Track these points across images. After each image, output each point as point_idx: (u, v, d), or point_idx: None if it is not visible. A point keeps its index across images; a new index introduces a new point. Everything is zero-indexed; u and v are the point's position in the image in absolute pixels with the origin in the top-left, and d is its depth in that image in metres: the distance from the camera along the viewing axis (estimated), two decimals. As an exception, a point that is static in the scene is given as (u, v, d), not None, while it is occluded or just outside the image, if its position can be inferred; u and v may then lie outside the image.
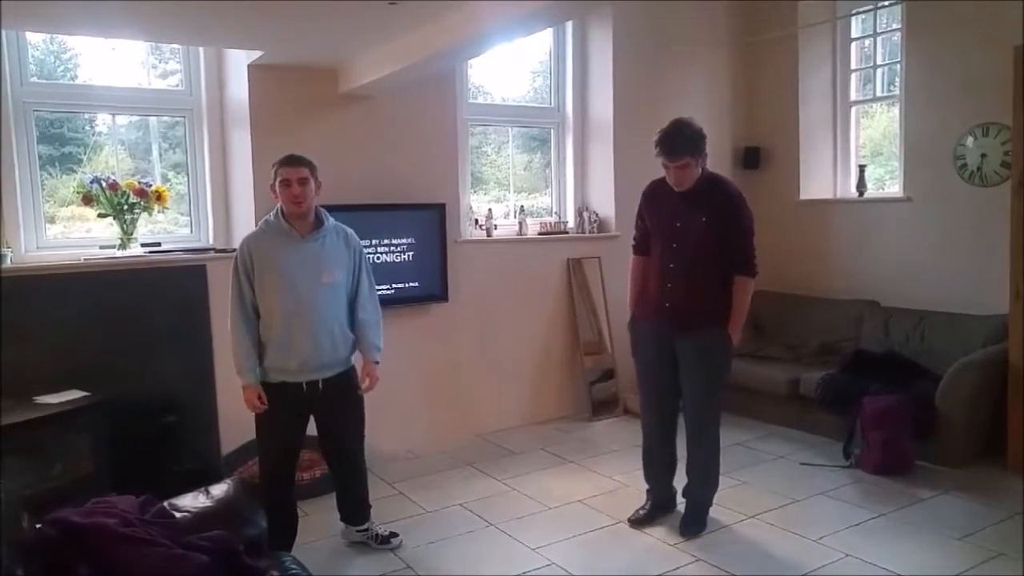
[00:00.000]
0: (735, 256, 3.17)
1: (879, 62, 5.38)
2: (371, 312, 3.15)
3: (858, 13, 5.38)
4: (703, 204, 3.16)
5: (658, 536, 3.35)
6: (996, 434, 4.02)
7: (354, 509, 3.29)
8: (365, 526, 3.29)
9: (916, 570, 2.97)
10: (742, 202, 3.20)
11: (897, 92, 5.12)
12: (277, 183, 2.94)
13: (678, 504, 3.51)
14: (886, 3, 5.12)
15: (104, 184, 3.76)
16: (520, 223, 5.06)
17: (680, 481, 3.48)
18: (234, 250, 4.00)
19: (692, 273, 3.19)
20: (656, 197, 3.34)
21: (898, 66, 5.08)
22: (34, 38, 3.84)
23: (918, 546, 3.18)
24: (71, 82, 4.02)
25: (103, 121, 4.18)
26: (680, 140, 3.08)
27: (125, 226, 3.83)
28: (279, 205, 3.00)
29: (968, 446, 4.04)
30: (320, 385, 3.00)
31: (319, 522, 3.46)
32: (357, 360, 3.19)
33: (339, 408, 3.10)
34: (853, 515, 3.50)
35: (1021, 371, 3.92)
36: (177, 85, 4.22)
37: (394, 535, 3.33)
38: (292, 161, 2.96)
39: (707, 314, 3.20)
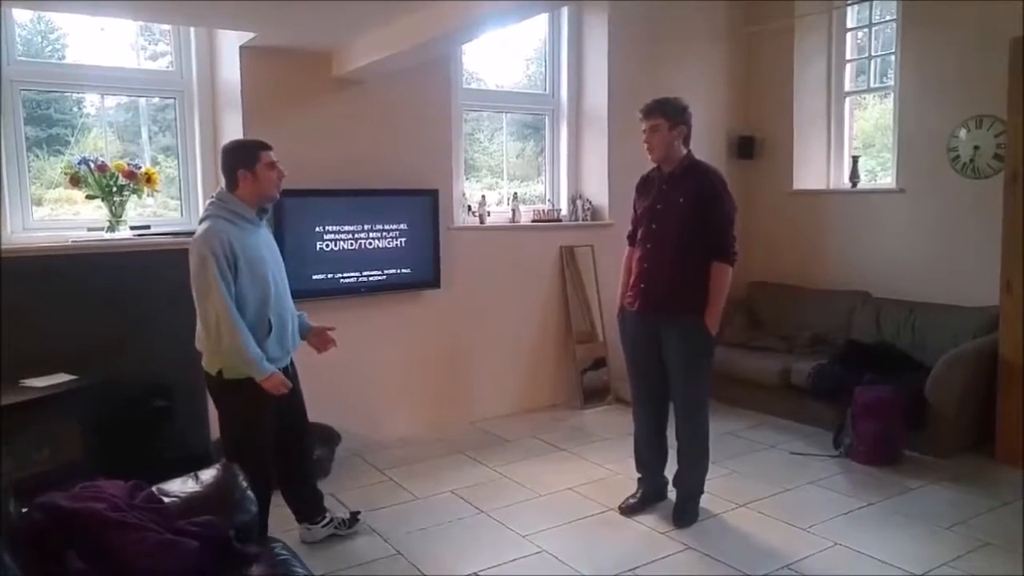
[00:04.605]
0: (712, 241, 3.17)
1: (873, 53, 5.38)
2: None
3: (853, 4, 5.36)
4: (683, 186, 3.20)
5: (648, 524, 3.35)
6: (986, 425, 4.05)
7: (313, 499, 3.22)
8: (328, 516, 3.22)
9: (904, 558, 2.99)
10: (723, 187, 3.21)
11: (891, 83, 5.12)
12: (260, 166, 2.79)
13: (669, 493, 3.53)
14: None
15: (93, 165, 3.71)
16: (513, 210, 5.04)
17: (671, 470, 3.49)
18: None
19: (668, 254, 3.20)
20: (646, 184, 3.40)
21: (892, 57, 5.08)
22: (21, 16, 3.77)
23: (907, 535, 3.21)
24: (59, 61, 3.95)
25: (91, 102, 4.12)
26: (656, 103, 3.19)
27: (114, 208, 3.77)
28: (233, 190, 2.82)
29: (957, 437, 4.07)
30: (290, 367, 3.02)
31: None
32: None
33: (297, 386, 3.07)
34: (843, 504, 3.52)
35: (1011, 363, 3.94)
36: (168, 67, 4.16)
37: (356, 512, 3.31)
38: (268, 144, 2.85)
39: (684, 298, 3.19)
